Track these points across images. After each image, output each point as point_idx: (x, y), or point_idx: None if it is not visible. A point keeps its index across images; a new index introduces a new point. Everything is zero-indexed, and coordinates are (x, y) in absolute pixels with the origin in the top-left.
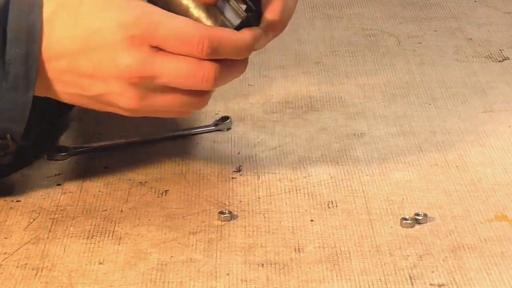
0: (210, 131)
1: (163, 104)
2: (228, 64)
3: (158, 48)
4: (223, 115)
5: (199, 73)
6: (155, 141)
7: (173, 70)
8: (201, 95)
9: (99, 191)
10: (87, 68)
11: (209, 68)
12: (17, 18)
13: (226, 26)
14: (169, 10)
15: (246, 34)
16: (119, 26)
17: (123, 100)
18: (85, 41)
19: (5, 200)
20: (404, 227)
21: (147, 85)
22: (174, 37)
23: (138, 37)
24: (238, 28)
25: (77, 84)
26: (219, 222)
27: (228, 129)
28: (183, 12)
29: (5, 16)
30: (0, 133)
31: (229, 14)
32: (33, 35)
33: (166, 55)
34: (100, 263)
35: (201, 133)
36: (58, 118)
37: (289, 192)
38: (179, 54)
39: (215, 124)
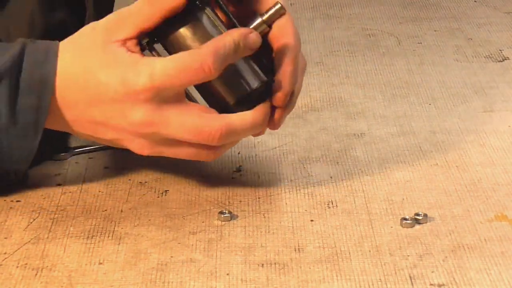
0: None
1: (172, 153)
2: (238, 122)
3: (164, 102)
4: None
5: (206, 129)
6: None
7: (179, 126)
8: (210, 148)
9: (99, 191)
10: (100, 118)
11: (218, 125)
12: (31, 68)
13: (242, 87)
14: None
15: (258, 114)
16: (121, 83)
17: (135, 147)
18: (95, 93)
19: (5, 200)
20: (404, 227)
21: (155, 137)
22: (185, 129)
23: (141, 94)
24: (255, 90)
25: (91, 129)
26: (219, 222)
27: None
28: None
29: (19, 65)
30: (4, 172)
31: (248, 76)
32: (45, 86)
33: (171, 108)
34: (100, 263)
35: None
36: None
37: (289, 192)
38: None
39: None
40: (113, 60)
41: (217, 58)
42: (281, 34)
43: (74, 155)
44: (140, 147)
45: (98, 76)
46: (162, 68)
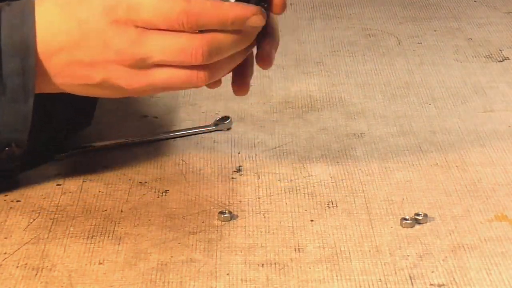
0: (210, 131)
1: (163, 81)
2: (221, 37)
3: (145, 28)
4: (223, 115)
5: (188, 47)
6: (155, 141)
7: (162, 47)
8: (198, 69)
9: (99, 191)
10: (85, 58)
11: (198, 43)
12: (10, 32)
13: None
14: None
15: (231, 6)
16: (103, 12)
17: (125, 81)
18: (78, 32)
19: (5, 200)
20: (404, 227)
21: (142, 65)
22: (155, 14)
23: (122, 20)
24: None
25: (80, 75)
26: (219, 222)
27: (228, 129)
28: None
29: None
30: (5, 143)
31: None
32: (27, 49)
33: (153, 33)
34: (100, 263)
35: (201, 133)
36: (73, 118)
37: (289, 192)
38: (167, 30)
39: (215, 124)
40: None
41: (194, 17)
42: None
43: (74, 155)
44: (130, 81)
45: (79, 15)
46: None
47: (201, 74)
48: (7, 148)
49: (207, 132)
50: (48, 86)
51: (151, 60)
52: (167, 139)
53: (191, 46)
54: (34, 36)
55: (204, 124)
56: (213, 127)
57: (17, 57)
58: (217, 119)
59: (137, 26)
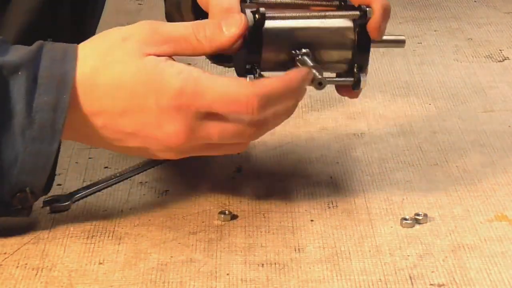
0: None
1: (202, 153)
2: (275, 115)
3: (208, 112)
4: None
5: (245, 133)
6: None
7: (219, 134)
8: (251, 125)
9: (99, 191)
10: (128, 128)
11: (254, 130)
12: (50, 65)
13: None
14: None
15: (293, 76)
16: (164, 95)
17: (163, 154)
18: (128, 104)
19: None
20: (404, 227)
21: (190, 144)
22: (221, 100)
23: (185, 105)
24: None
25: (117, 138)
26: (219, 222)
27: None
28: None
29: (37, 60)
30: (20, 185)
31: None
32: (64, 84)
33: (213, 118)
34: (100, 263)
35: None
36: None
37: (289, 192)
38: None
39: None
40: (151, 72)
41: (264, 101)
42: None
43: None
44: (168, 156)
45: (133, 87)
46: (206, 86)
47: (253, 130)
48: (19, 194)
49: None
50: (72, 135)
51: (204, 142)
52: None
53: (249, 132)
54: (74, 75)
55: None
56: None
57: (52, 90)
58: None
59: (198, 111)
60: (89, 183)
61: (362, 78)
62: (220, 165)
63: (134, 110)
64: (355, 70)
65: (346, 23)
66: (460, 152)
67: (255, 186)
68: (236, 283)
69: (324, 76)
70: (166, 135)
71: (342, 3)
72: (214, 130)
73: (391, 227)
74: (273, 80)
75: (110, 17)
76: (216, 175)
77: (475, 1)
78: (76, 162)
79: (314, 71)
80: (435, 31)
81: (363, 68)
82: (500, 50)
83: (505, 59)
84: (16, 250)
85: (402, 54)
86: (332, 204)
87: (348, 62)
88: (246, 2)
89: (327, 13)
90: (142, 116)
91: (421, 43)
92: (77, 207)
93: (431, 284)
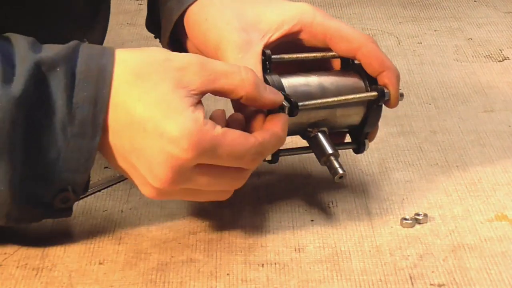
0: None
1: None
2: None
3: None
4: None
5: (236, 185)
6: None
7: (208, 185)
8: (242, 173)
9: (99, 191)
10: (126, 148)
11: (244, 179)
12: (87, 60)
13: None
14: None
15: (282, 125)
16: (173, 141)
17: (143, 189)
18: (136, 124)
19: None
20: (404, 227)
21: (174, 188)
22: (229, 155)
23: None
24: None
25: (109, 156)
26: (219, 222)
27: None
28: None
29: (75, 55)
30: (62, 184)
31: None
32: (103, 78)
33: (208, 170)
34: (100, 263)
35: None
36: None
37: (289, 192)
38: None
39: None
40: (174, 107)
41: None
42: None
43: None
44: (148, 193)
45: (146, 114)
46: (213, 140)
47: (242, 177)
48: (60, 193)
49: None
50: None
51: (191, 187)
52: None
53: (240, 183)
54: (112, 70)
55: None
56: None
57: (91, 84)
58: None
59: (199, 165)
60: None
61: (366, 143)
62: None
63: (138, 132)
64: (362, 135)
65: (361, 101)
66: (460, 152)
67: (255, 186)
68: (236, 283)
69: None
70: (157, 180)
71: (351, 62)
72: (203, 181)
73: (391, 227)
74: (270, 132)
75: (110, 16)
76: None
77: (475, 1)
78: None
79: (334, 161)
80: (435, 31)
81: (368, 134)
82: (500, 50)
83: (505, 59)
84: (16, 250)
85: (402, 54)
86: (332, 204)
87: (355, 128)
88: (263, 56)
89: (348, 97)
90: (144, 144)
91: (421, 43)
92: (77, 207)
93: (431, 284)
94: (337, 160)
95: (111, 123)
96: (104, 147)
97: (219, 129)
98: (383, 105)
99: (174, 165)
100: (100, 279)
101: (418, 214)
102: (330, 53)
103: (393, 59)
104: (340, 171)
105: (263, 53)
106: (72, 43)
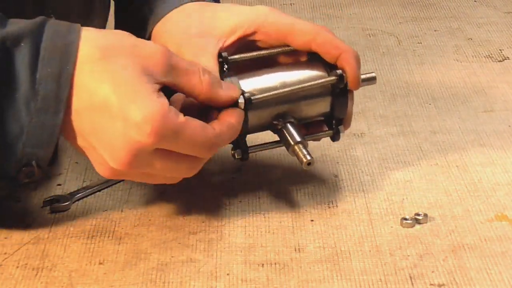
0: None
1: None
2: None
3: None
4: None
5: (189, 173)
6: None
7: (164, 170)
8: (198, 161)
9: (99, 191)
10: (86, 127)
11: (197, 169)
12: (53, 36)
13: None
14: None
15: (234, 119)
16: (137, 125)
17: (99, 168)
18: (98, 107)
19: (5, 200)
20: (404, 227)
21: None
22: (189, 143)
23: (152, 143)
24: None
25: (73, 140)
26: (219, 222)
27: None
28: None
29: (40, 32)
30: (26, 159)
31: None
32: (67, 55)
33: (166, 156)
34: (100, 263)
35: None
36: None
37: (289, 192)
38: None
39: None
40: (139, 92)
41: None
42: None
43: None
44: (103, 171)
45: (111, 96)
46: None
47: (198, 165)
48: (25, 168)
49: None
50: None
51: (149, 171)
52: None
53: (197, 168)
54: (77, 47)
55: None
56: None
57: (56, 60)
58: None
59: (158, 150)
60: (89, 183)
61: (340, 130)
62: (220, 165)
63: (100, 123)
64: (333, 123)
65: (324, 86)
66: (460, 152)
67: (255, 186)
68: (236, 283)
69: (306, 139)
70: (114, 156)
71: (310, 56)
72: (160, 165)
73: (391, 227)
74: (227, 124)
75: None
76: (216, 175)
77: (475, 1)
78: (76, 162)
79: (302, 149)
80: (435, 31)
81: (341, 121)
82: (500, 50)
83: (505, 59)
84: (16, 250)
85: (402, 54)
86: (332, 204)
87: (327, 116)
88: (220, 58)
89: (305, 85)
90: (105, 126)
91: (421, 43)
92: (77, 207)
93: (431, 284)
94: (305, 148)
95: (74, 101)
96: (64, 125)
97: (182, 117)
98: (350, 90)
99: (134, 149)
100: (100, 279)
101: (418, 214)
102: (288, 48)
103: (393, 59)
104: (308, 157)
105: (220, 55)
106: (39, 18)
